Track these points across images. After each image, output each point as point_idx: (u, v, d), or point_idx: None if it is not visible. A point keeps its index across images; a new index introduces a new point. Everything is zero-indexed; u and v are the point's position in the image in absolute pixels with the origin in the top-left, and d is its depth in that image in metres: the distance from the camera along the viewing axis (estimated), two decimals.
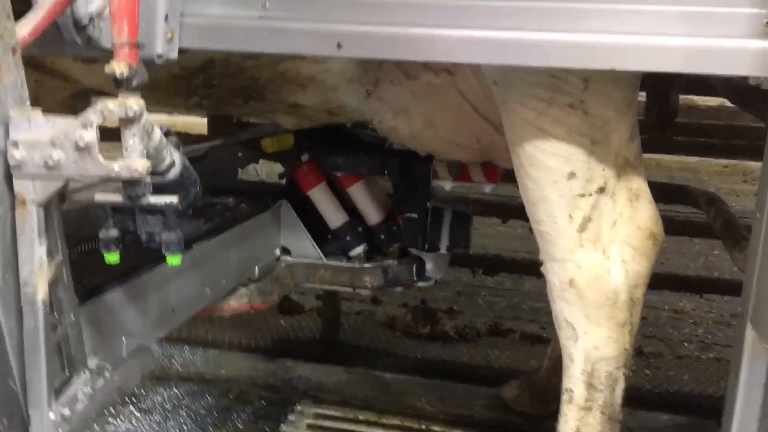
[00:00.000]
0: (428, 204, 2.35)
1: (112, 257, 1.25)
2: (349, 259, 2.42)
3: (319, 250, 2.38)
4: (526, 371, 2.94)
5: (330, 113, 2.10)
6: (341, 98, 2.00)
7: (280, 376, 2.97)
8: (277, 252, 2.36)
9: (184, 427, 2.58)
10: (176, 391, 2.82)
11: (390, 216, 2.45)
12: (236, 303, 2.15)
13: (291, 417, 2.62)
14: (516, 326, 3.52)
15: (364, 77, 1.92)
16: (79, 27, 1.32)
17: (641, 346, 3.26)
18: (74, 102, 2.69)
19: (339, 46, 1.41)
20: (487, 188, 2.35)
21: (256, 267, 2.20)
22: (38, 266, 1.11)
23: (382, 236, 2.43)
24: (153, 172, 1.21)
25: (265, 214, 2.26)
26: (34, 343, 1.13)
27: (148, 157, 1.18)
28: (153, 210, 1.21)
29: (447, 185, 2.35)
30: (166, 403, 2.72)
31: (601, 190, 1.68)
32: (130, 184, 1.16)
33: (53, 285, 1.16)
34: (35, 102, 2.48)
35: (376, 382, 2.96)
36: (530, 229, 1.76)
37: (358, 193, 2.42)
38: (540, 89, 1.60)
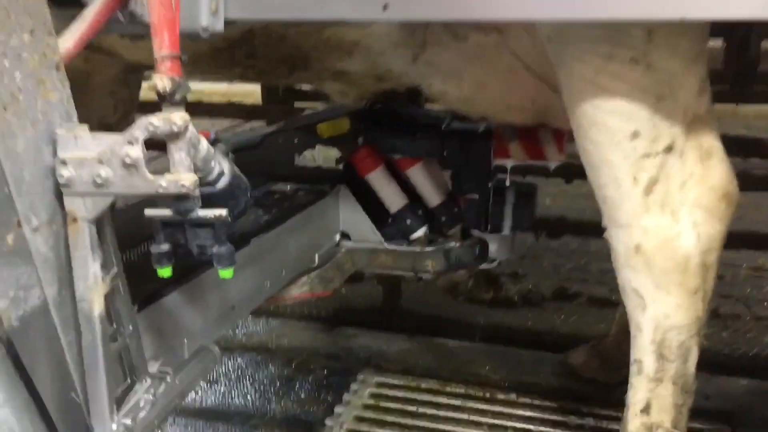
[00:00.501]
0: (490, 184, 2.27)
1: (165, 272, 1.22)
2: (410, 242, 2.37)
3: (379, 235, 2.32)
4: (594, 336, 2.85)
5: (377, 79, 2.03)
6: (388, 63, 1.93)
7: (341, 345, 2.97)
8: (337, 238, 2.32)
9: (248, 397, 2.62)
10: (240, 361, 2.86)
11: (451, 197, 2.38)
12: (297, 292, 2.13)
13: (353, 386, 2.62)
14: (583, 289, 3.42)
15: (410, 40, 1.84)
16: (122, 4, 1.30)
17: (718, 307, 3.12)
18: (126, 77, 2.70)
19: (384, 7, 1.34)
20: (553, 165, 2.26)
21: (317, 254, 2.17)
22: (93, 282, 1.12)
23: (443, 218, 2.38)
24: (201, 183, 1.19)
25: (323, 200, 2.21)
26: (94, 357, 1.13)
27: (196, 169, 1.15)
28: (203, 223, 1.18)
29: (509, 164, 2.27)
30: (230, 373, 2.77)
31: (669, 149, 1.57)
32: (178, 199, 1.14)
33: (110, 297, 1.16)
34: (87, 79, 2.47)
35: (438, 350, 2.93)
36: None
37: (417, 175, 2.36)
38: (598, 44, 1.50)
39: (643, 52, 1.49)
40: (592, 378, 2.63)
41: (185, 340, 1.49)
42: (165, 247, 1.21)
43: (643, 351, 1.66)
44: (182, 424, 2.45)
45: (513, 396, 2.57)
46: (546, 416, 2.46)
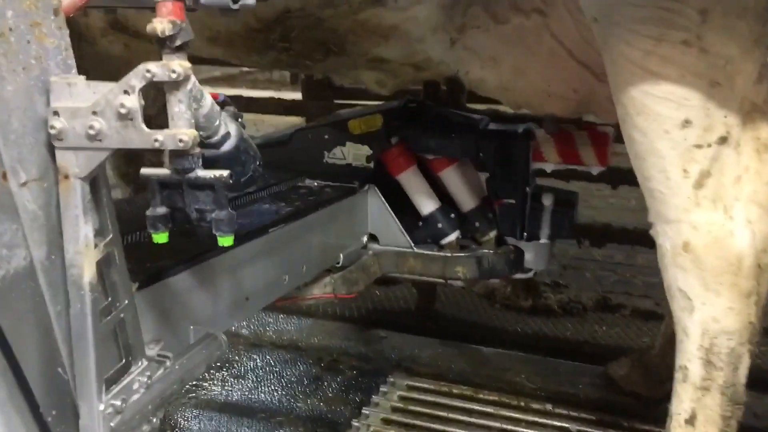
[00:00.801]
0: (527, 189, 2.17)
1: (160, 237, 1.14)
2: (441, 247, 2.28)
3: (408, 238, 2.24)
4: (637, 349, 2.72)
5: (416, 68, 1.97)
6: (427, 50, 1.87)
7: (373, 347, 2.90)
8: (364, 239, 2.24)
9: (275, 394, 2.56)
10: (269, 357, 2.81)
11: (485, 202, 2.29)
12: (319, 292, 2.06)
13: (383, 388, 2.55)
14: (627, 301, 3.29)
15: (449, 24, 1.78)
16: None
17: None
18: None
19: None
20: (595, 171, 2.17)
21: (341, 254, 2.10)
22: (84, 245, 1.03)
23: (477, 224, 2.29)
24: (205, 144, 1.12)
25: (350, 198, 2.14)
26: (82, 328, 1.04)
27: (198, 126, 1.08)
28: (203, 185, 1.10)
29: (548, 167, 2.18)
30: (258, 370, 2.72)
31: (723, 140, 1.48)
32: (177, 156, 1.06)
33: (105, 267, 1.08)
34: (127, 67, 2.46)
35: (472, 356, 2.83)
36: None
37: (451, 177, 2.28)
38: (648, 25, 1.42)
39: (697, 34, 1.40)
40: (633, 391, 2.51)
41: (192, 326, 1.42)
42: (161, 210, 1.14)
43: (689, 357, 1.56)
44: (206, 417, 2.40)
45: (548, 406, 2.46)
46: (583, 428, 2.34)
